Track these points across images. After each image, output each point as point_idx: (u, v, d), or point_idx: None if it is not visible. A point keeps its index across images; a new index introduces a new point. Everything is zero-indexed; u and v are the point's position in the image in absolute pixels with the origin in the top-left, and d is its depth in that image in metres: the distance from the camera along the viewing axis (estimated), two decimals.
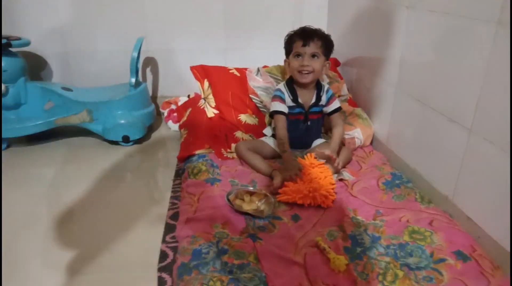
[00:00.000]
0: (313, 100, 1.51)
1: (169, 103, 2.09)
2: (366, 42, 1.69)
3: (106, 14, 2.02)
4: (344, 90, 1.75)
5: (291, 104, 1.50)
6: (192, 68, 1.77)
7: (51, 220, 1.28)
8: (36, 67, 2.07)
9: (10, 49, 1.73)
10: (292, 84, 1.52)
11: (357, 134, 1.55)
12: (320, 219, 1.17)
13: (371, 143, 1.63)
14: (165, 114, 2.06)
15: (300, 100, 1.51)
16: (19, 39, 1.74)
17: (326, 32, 1.48)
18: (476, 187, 1.07)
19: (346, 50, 1.87)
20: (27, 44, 1.77)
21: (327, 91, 1.55)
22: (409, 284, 0.91)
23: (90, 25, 2.03)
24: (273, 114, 1.50)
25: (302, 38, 1.43)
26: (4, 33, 1.76)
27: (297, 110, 1.51)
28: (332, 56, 1.96)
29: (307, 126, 1.52)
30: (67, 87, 1.87)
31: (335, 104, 1.54)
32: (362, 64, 1.74)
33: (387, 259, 1.00)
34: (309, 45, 1.42)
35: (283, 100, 1.50)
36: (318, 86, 1.53)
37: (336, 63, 1.89)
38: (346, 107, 1.67)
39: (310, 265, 0.97)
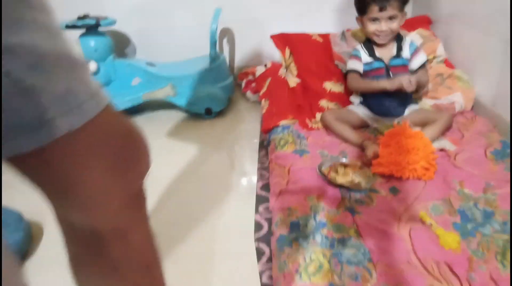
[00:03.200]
0: (394, 53, 1.42)
1: (246, 73, 2.08)
2: None
3: None
4: (440, 50, 1.58)
5: (369, 59, 1.44)
6: (272, 36, 1.72)
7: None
8: (120, 45, 2.16)
9: (98, 29, 1.82)
10: (369, 42, 1.45)
11: (457, 98, 1.41)
12: (422, 192, 1.09)
13: (472, 108, 1.47)
14: (243, 85, 2.05)
15: (377, 54, 1.43)
16: (105, 18, 1.81)
17: None
18: None
19: (440, 3, 1.67)
20: (113, 23, 1.84)
21: (411, 43, 1.44)
22: None
23: (167, 1, 2.05)
24: (347, 72, 1.48)
25: (377, 2, 1.33)
26: (87, 13, 1.85)
27: (376, 64, 1.43)
28: (422, 12, 1.79)
29: None
30: (150, 63, 1.93)
31: (421, 58, 1.42)
32: (461, 19, 1.55)
33: (506, 237, 0.90)
34: (386, 9, 1.33)
35: (359, 58, 1.45)
36: (398, 38, 1.43)
37: (428, 21, 1.71)
38: (444, 69, 1.52)
39: (417, 241, 0.91)
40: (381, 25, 1.36)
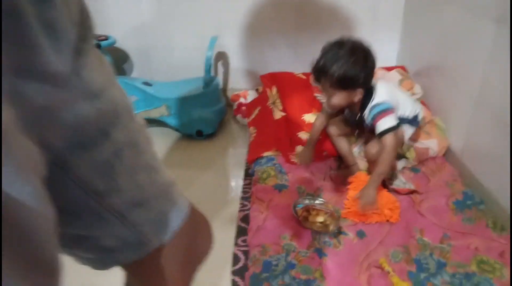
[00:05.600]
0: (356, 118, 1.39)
1: (238, 96, 2.17)
2: (444, 49, 1.60)
3: (183, 10, 2.10)
4: (418, 89, 1.69)
5: None
6: (262, 77, 1.86)
7: None
8: (118, 62, 2.23)
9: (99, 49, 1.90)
10: None
11: (433, 145, 1.51)
12: (386, 237, 1.20)
13: (444, 154, 1.58)
14: (235, 106, 2.15)
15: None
16: (106, 39, 1.89)
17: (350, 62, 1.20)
18: None
19: (421, 53, 1.79)
20: (113, 43, 1.92)
21: (372, 108, 1.29)
22: None
23: (168, 22, 2.13)
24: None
25: (313, 73, 1.28)
26: None
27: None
28: (401, 62, 1.92)
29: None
30: (147, 82, 2.01)
31: (379, 126, 1.26)
32: (438, 70, 1.66)
33: None
34: (320, 81, 1.27)
35: None
36: (363, 106, 1.32)
37: (405, 70, 1.85)
38: (426, 112, 1.60)
39: None
40: (324, 94, 1.32)
